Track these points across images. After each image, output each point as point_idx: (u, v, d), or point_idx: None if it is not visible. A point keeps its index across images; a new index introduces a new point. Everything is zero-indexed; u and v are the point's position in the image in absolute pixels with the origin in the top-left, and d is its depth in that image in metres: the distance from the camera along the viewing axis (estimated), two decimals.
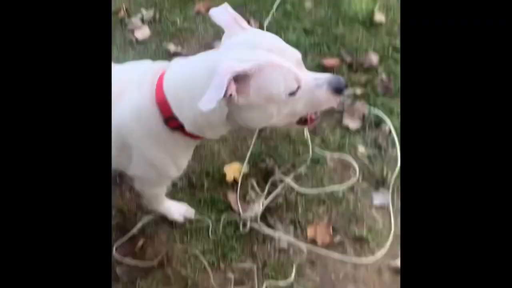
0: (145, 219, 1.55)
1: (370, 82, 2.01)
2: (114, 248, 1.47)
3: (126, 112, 1.03)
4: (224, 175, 1.68)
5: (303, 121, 1.07)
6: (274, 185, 1.67)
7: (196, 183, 1.66)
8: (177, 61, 1.06)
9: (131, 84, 1.04)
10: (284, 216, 1.61)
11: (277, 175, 1.69)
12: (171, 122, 1.02)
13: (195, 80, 0.95)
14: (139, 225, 1.54)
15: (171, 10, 2.20)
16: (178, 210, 1.56)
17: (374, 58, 2.08)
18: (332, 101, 0.99)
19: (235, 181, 1.67)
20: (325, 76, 0.98)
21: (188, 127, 1.01)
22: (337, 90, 0.97)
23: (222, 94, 0.82)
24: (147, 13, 2.18)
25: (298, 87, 0.93)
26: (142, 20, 2.15)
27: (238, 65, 0.87)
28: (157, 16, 2.19)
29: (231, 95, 0.87)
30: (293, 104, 0.96)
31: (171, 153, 1.12)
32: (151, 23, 2.16)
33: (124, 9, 2.19)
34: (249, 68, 0.88)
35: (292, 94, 0.93)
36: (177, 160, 1.16)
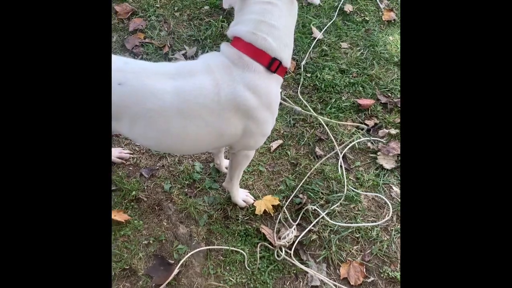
0: (182, 248, 1.59)
1: None
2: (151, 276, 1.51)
3: (236, 90, 1.18)
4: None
5: None
6: (308, 222, 1.69)
7: (231, 215, 1.69)
8: (235, 26, 1.22)
9: (221, 69, 1.19)
10: (317, 253, 1.61)
11: (310, 206, 1.71)
12: (273, 64, 1.20)
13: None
14: (175, 254, 1.57)
15: (213, 48, 2.31)
16: (241, 194, 1.72)
17: None
18: None
19: (266, 213, 1.70)
20: None
21: (286, 58, 1.22)
22: None
23: None
24: (190, 50, 2.29)
25: None
26: (185, 56, 2.26)
27: None
28: (199, 53, 2.30)
29: None
30: None
31: (275, 109, 1.29)
32: (193, 59, 2.27)
33: (169, 45, 2.31)
34: None
35: None
36: (275, 114, 1.31)
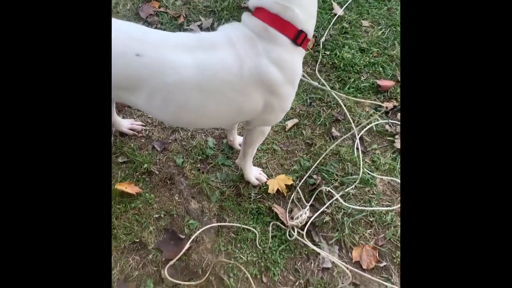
0: (193, 223, 1.57)
1: None
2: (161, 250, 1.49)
3: (263, 65, 1.12)
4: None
5: None
6: (321, 203, 1.66)
7: (243, 193, 1.66)
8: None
9: (244, 41, 1.13)
10: (329, 235, 1.59)
11: (324, 188, 1.67)
12: (300, 37, 1.13)
13: None
14: (186, 229, 1.55)
15: (229, 20, 2.24)
16: (254, 172, 1.68)
17: None
18: None
19: (279, 193, 1.67)
20: None
21: (311, 30, 1.17)
22: None
23: None
24: (206, 21, 2.22)
25: None
26: (201, 28, 2.19)
27: None
28: (215, 25, 2.22)
29: None
30: None
31: (297, 83, 1.24)
32: (209, 31, 2.20)
33: (184, 15, 2.24)
34: None
35: None
36: (296, 88, 1.26)
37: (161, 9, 2.26)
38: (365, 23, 2.32)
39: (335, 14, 2.32)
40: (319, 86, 1.94)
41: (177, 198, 1.63)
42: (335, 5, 2.37)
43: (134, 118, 1.84)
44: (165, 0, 2.31)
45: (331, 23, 2.27)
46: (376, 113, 1.95)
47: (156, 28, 2.16)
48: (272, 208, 1.62)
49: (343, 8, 2.36)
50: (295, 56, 1.16)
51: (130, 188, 1.60)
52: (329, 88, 1.98)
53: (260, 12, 1.14)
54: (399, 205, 1.66)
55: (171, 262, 1.45)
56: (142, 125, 1.82)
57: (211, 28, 2.21)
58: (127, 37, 1.10)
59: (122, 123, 1.77)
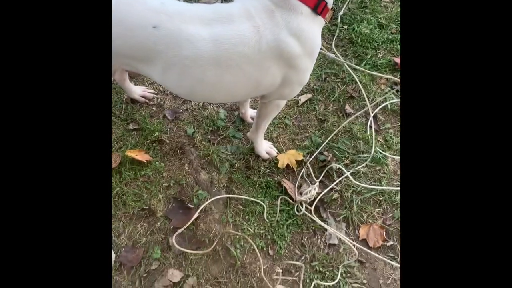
0: (202, 194, 1.57)
1: None
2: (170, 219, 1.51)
3: (283, 36, 1.09)
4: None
5: None
6: (331, 180, 1.65)
7: (253, 166, 1.66)
8: None
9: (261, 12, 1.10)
10: (337, 212, 1.58)
11: (334, 165, 1.66)
12: (320, 5, 1.10)
13: None
14: (195, 199, 1.56)
15: None
16: (265, 146, 1.67)
17: None
18: None
19: (288, 168, 1.66)
20: None
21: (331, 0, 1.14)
22: None
23: None
24: None
25: None
26: None
27: None
28: None
29: None
30: None
31: (315, 56, 1.21)
32: None
33: None
34: None
35: None
36: (314, 61, 1.24)
37: None
38: None
39: None
40: (335, 58, 1.89)
41: (186, 168, 1.63)
42: None
43: (146, 86, 1.82)
44: None
45: None
46: (392, 91, 1.91)
47: None
48: (281, 183, 1.62)
49: None
50: (315, 26, 1.13)
51: (140, 156, 1.60)
52: (342, 60, 1.94)
53: None
54: None
55: (179, 231, 1.47)
56: (154, 93, 1.80)
57: None
58: (145, 8, 1.06)
59: (134, 90, 1.75)
